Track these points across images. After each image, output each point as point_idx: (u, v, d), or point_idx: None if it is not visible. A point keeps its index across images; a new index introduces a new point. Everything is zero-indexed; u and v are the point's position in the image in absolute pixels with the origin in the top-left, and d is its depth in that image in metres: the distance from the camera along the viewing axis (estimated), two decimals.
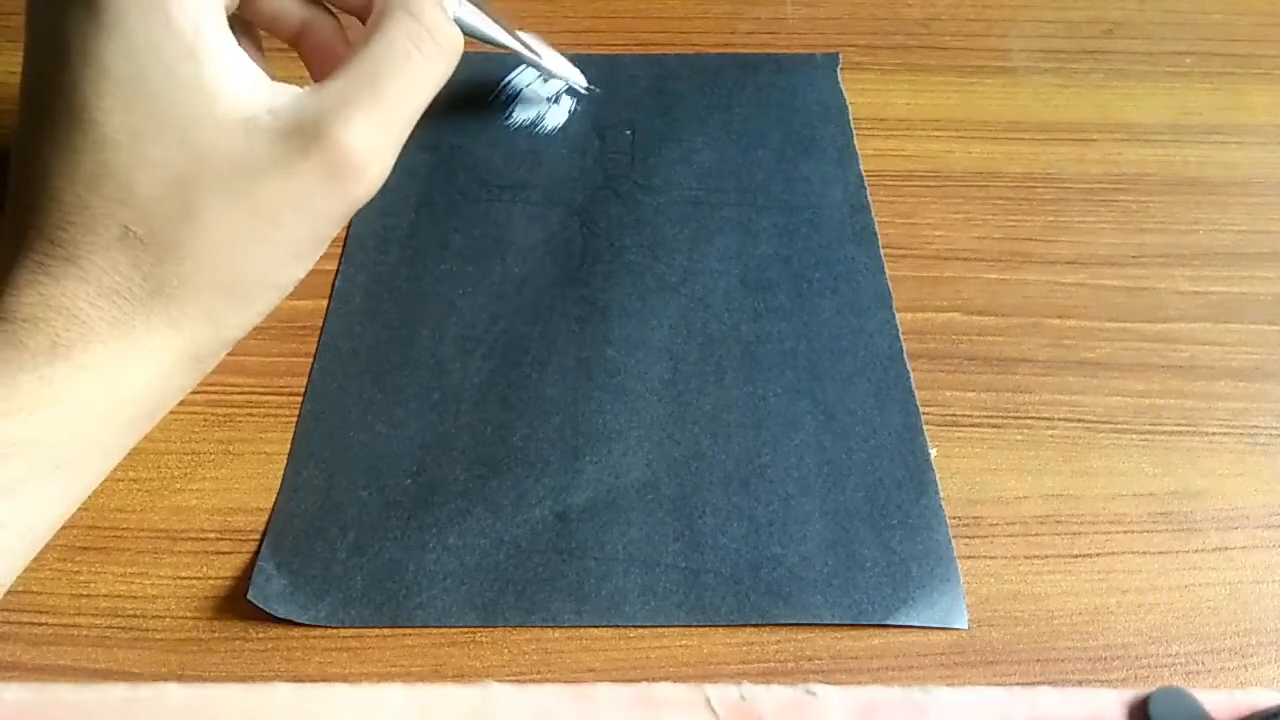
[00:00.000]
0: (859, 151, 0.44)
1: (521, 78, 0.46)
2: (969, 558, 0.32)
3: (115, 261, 0.23)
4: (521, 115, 0.45)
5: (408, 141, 0.27)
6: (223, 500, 0.33)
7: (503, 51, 0.40)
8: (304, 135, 0.24)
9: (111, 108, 0.23)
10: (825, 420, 0.35)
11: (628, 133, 0.45)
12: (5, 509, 0.23)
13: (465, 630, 0.30)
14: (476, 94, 0.45)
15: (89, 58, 0.23)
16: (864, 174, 0.43)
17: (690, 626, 0.30)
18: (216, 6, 0.24)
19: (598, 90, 0.45)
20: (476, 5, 0.38)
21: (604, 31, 0.50)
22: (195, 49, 0.23)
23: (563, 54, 0.44)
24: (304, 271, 0.26)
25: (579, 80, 0.44)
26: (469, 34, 0.37)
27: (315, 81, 0.26)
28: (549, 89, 0.46)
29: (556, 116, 0.45)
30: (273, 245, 0.25)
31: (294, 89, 0.25)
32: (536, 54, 0.42)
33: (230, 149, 0.23)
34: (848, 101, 0.46)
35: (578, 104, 0.46)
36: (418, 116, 0.26)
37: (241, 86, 0.24)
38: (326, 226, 0.25)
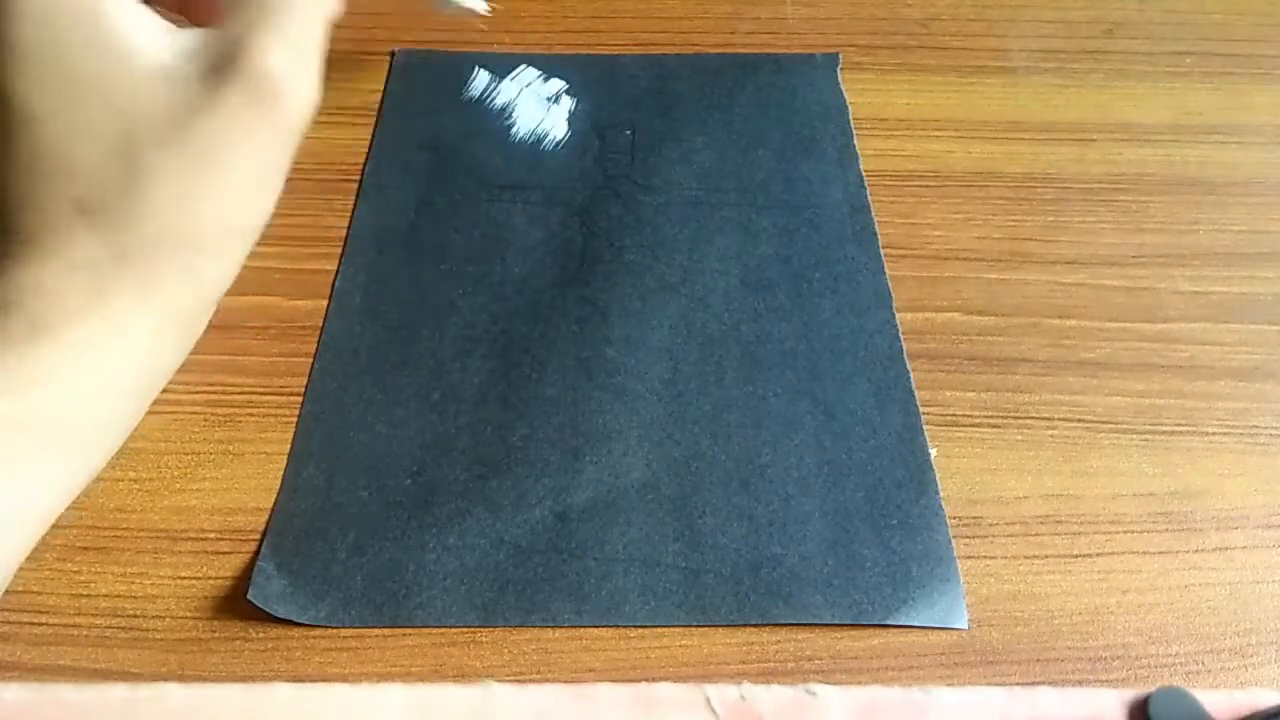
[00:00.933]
0: (859, 151, 0.44)
1: (521, 77, 0.46)
2: (969, 558, 0.32)
3: (74, 235, 0.24)
4: (523, 122, 0.45)
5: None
6: (223, 500, 0.33)
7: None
8: (220, 71, 0.24)
9: (29, 87, 0.23)
10: (825, 420, 0.35)
11: (628, 133, 0.45)
12: (4, 490, 0.23)
13: (465, 630, 0.30)
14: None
15: None
16: (864, 174, 0.43)
17: (690, 626, 0.30)
18: None
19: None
20: None
21: (604, 31, 0.50)
22: (96, 11, 0.23)
23: (563, 55, 0.44)
24: (265, 212, 0.26)
25: (481, 8, 0.44)
26: None
27: None
28: (549, 88, 0.46)
29: (557, 123, 0.45)
30: (223, 189, 0.25)
31: (201, 30, 0.25)
32: None
33: (156, 102, 0.24)
34: (848, 101, 0.46)
35: (577, 104, 0.46)
36: (328, 26, 0.26)
37: (150, 40, 0.24)
38: (270, 158, 0.25)
